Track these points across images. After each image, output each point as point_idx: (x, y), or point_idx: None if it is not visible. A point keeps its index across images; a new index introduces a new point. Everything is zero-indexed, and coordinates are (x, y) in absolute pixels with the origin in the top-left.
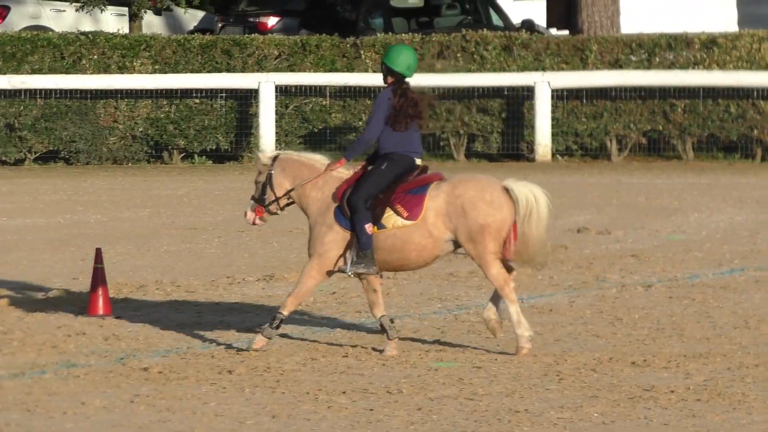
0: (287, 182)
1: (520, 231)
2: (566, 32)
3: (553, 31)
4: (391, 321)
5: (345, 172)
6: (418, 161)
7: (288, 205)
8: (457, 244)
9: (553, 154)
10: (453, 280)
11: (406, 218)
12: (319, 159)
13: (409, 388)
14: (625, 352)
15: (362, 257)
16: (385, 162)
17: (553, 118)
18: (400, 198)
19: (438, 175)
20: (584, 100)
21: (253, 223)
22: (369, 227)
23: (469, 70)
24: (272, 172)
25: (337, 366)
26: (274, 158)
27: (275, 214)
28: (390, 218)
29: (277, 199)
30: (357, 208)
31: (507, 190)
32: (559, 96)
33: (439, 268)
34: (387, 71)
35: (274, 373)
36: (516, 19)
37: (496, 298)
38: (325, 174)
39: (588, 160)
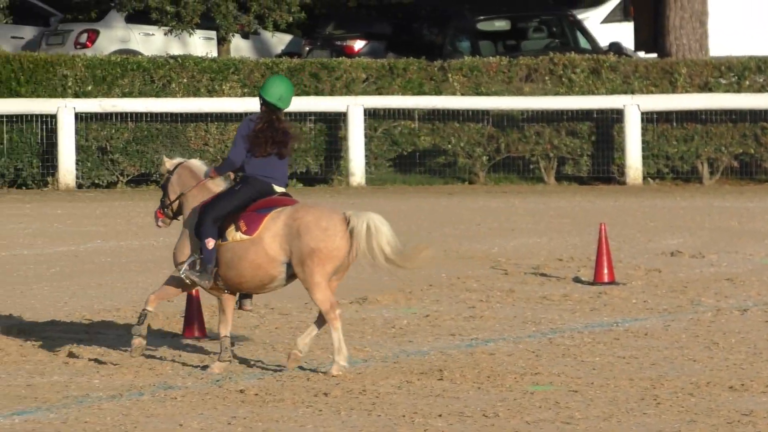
0: (179, 189)
1: (367, 258)
2: (654, 55)
3: (641, 54)
4: (232, 344)
5: (220, 186)
6: (279, 188)
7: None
8: (290, 269)
9: (645, 178)
10: (547, 304)
11: (244, 233)
12: (205, 170)
13: (506, 412)
14: (722, 377)
15: (201, 268)
16: (241, 184)
17: (643, 141)
18: (246, 215)
19: (291, 201)
20: (674, 123)
21: (157, 225)
22: (210, 242)
23: (557, 93)
24: (170, 177)
25: (433, 389)
26: (176, 165)
27: (172, 218)
28: (231, 232)
29: (170, 204)
30: (203, 222)
31: (346, 221)
32: (649, 119)
33: (532, 291)
34: (261, 100)
35: (369, 395)
36: (603, 42)
37: (319, 322)
38: (202, 185)
39: (680, 184)
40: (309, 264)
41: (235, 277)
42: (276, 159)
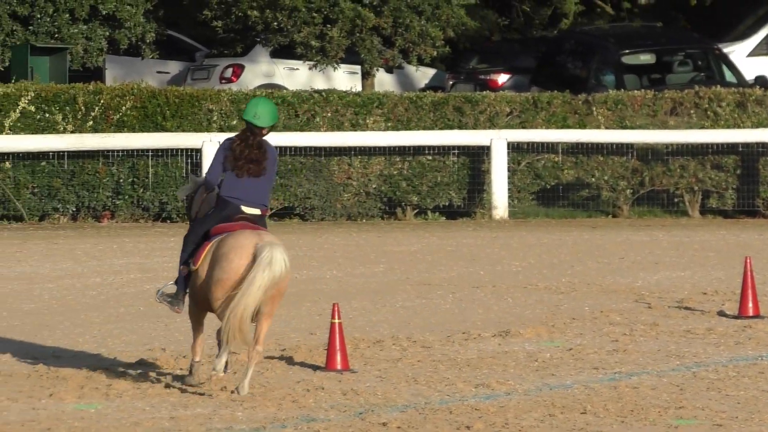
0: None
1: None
2: None
3: None
4: (200, 366)
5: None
6: (249, 209)
7: None
8: None
9: None
10: (690, 337)
11: (193, 263)
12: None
13: None
14: None
15: (174, 294)
16: (215, 208)
17: None
18: (201, 243)
19: (244, 225)
20: None
21: None
22: (183, 269)
23: (702, 127)
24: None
25: (576, 423)
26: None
27: None
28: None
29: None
30: (182, 248)
31: (255, 249)
32: None
33: (675, 325)
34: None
35: (512, 429)
36: (749, 76)
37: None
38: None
39: None
40: (213, 289)
41: (202, 301)
42: (251, 179)
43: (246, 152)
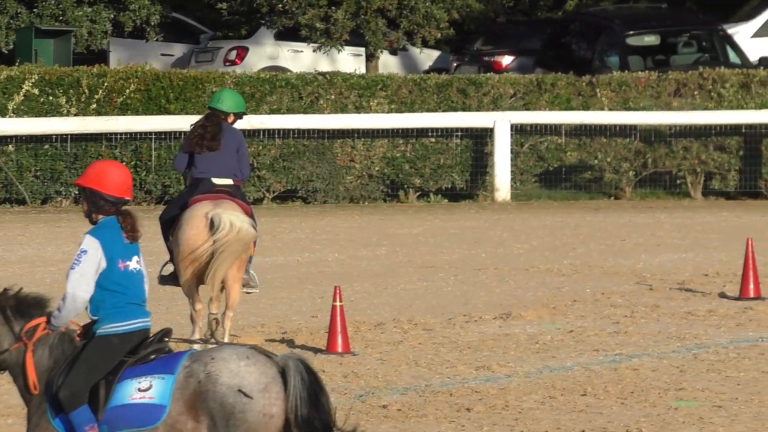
0: None
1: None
2: None
3: None
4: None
5: None
6: (220, 180)
7: None
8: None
9: None
10: (692, 319)
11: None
12: None
13: (650, 427)
14: None
15: (172, 271)
16: (188, 186)
17: None
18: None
19: (215, 196)
20: None
21: None
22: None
23: (706, 108)
24: None
25: (576, 404)
26: None
27: None
28: None
29: None
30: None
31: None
32: None
33: (677, 307)
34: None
35: (512, 411)
36: (753, 57)
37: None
38: None
39: None
40: (175, 261)
41: (179, 274)
42: (212, 154)
43: (199, 131)
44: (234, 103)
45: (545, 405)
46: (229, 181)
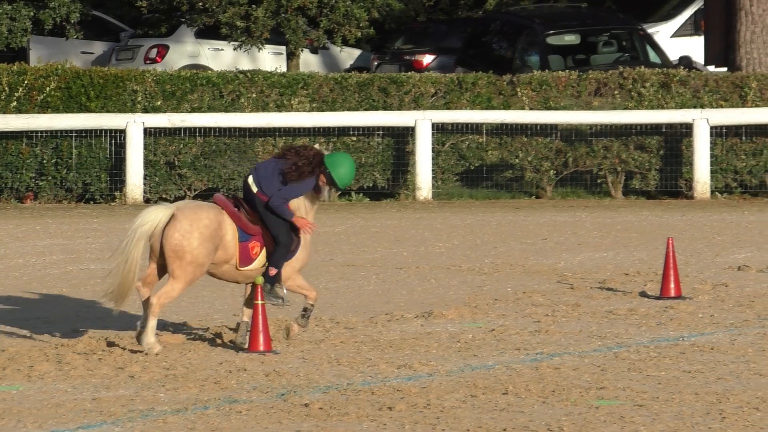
0: None
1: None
2: (724, 69)
3: (711, 68)
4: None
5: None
6: (251, 180)
7: None
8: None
9: (712, 192)
10: (612, 318)
11: None
12: None
13: (570, 427)
14: None
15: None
16: None
17: (711, 155)
18: None
19: (221, 201)
20: (743, 137)
21: None
22: None
23: (626, 108)
24: None
25: (497, 403)
26: None
27: None
28: None
29: None
30: None
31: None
32: (718, 133)
33: (598, 306)
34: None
35: (434, 409)
36: (673, 56)
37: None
38: None
39: (747, 198)
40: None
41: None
42: (274, 160)
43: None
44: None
45: (467, 403)
46: (255, 189)
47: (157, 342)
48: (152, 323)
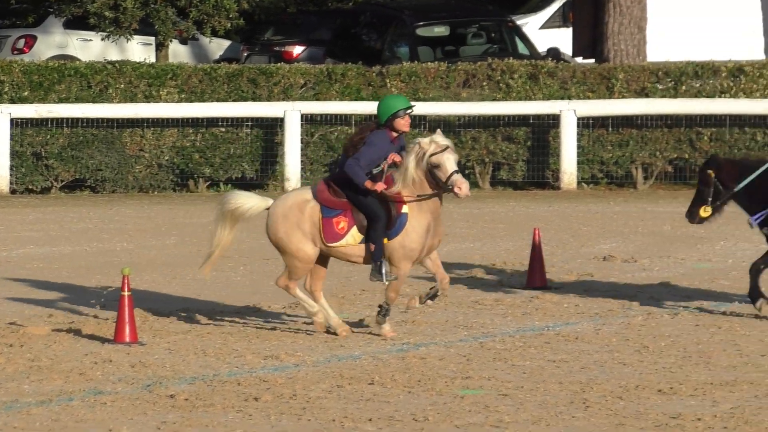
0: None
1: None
2: (592, 61)
3: (579, 59)
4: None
5: None
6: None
7: None
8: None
9: (579, 183)
10: (478, 308)
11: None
12: None
13: (436, 416)
14: (651, 380)
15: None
16: None
17: (578, 147)
18: None
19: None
20: (610, 129)
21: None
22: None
23: (494, 99)
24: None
25: (363, 393)
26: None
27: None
28: None
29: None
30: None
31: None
32: (585, 124)
33: (464, 296)
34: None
35: (300, 400)
36: (542, 48)
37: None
38: None
39: (613, 188)
40: None
41: None
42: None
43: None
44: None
45: (333, 394)
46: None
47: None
48: None
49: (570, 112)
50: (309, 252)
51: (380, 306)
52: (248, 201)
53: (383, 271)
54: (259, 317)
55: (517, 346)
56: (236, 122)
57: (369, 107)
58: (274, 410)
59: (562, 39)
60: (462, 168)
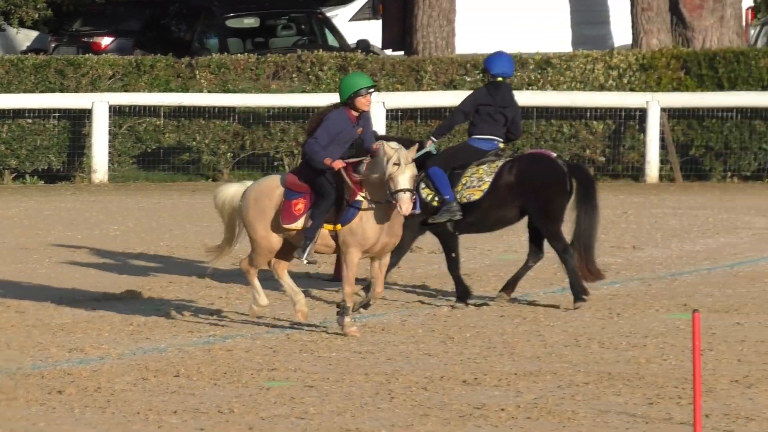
0: None
1: None
2: (401, 53)
3: (389, 51)
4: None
5: None
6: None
7: None
8: None
9: None
10: (285, 300)
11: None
12: None
13: (241, 408)
14: (456, 371)
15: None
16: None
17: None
18: None
19: None
20: (419, 120)
21: None
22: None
23: (304, 91)
24: None
25: (168, 386)
26: None
27: None
28: None
29: None
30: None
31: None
32: (394, 116)
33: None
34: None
35: (104, 393)
36: (351, 40)
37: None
38: None
39: None
40: None
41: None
42: None
43: None
44: None
45: (138, 386)
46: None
47: None
48: None
49: (379, 104)
50: (272, 240)
51: (338, 305)
52: (228, 190)
53: (306, 250)
54: (64, 310)
55: (324, 337)
56: (43, 113)
57: (177, 98)
58: (78, 403)
59: (372, 31)
60: (417, 186)
